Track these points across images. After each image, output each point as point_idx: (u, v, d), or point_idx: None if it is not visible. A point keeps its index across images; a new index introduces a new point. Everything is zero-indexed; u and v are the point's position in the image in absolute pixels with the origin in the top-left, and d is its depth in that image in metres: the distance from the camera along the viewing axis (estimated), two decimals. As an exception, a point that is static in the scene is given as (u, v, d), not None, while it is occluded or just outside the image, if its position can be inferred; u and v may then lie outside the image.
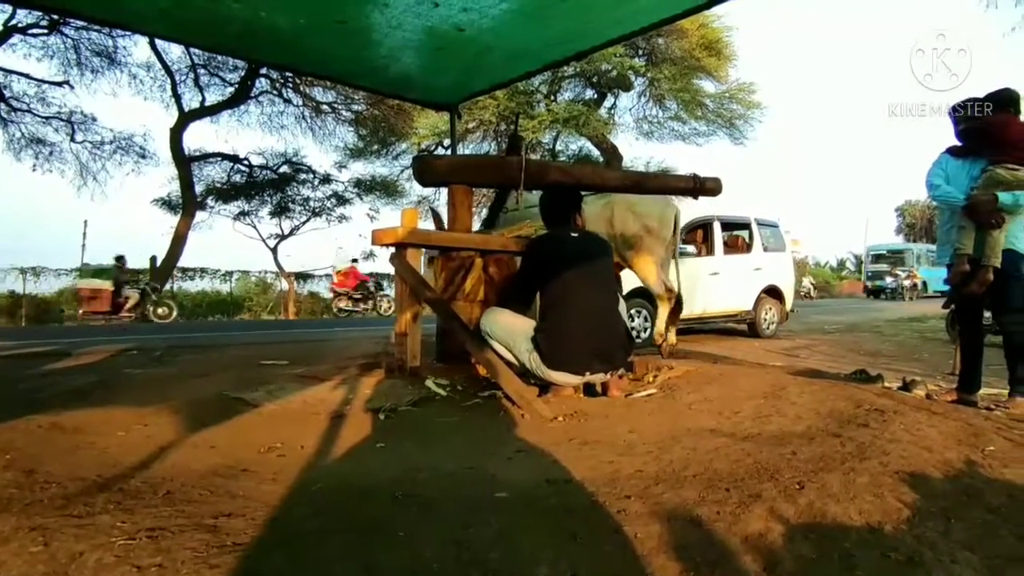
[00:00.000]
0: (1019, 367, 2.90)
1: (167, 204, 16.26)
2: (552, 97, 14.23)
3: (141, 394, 2.96)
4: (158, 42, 12.43)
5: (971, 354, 3.12)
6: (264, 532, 1.34)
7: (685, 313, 6.77)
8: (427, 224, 4.31)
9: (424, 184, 3.76)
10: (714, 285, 7.08)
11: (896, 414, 2.34)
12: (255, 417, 2.56)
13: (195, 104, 14.12)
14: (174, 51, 13.52)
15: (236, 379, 3.35)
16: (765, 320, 7.62)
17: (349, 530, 1.37)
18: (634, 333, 5.96)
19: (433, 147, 14.81)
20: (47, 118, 13.24)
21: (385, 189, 18.03)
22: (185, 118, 13.84)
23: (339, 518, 1.44)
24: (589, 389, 3.05)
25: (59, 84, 12.92)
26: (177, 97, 13.72)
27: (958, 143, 3.03)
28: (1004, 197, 2.79)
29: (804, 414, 2.43)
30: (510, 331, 2.94)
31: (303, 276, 18.17)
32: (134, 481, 1.68)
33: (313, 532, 1.35)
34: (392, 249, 3.45)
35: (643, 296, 6.35)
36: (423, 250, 3.62)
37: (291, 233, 18.09)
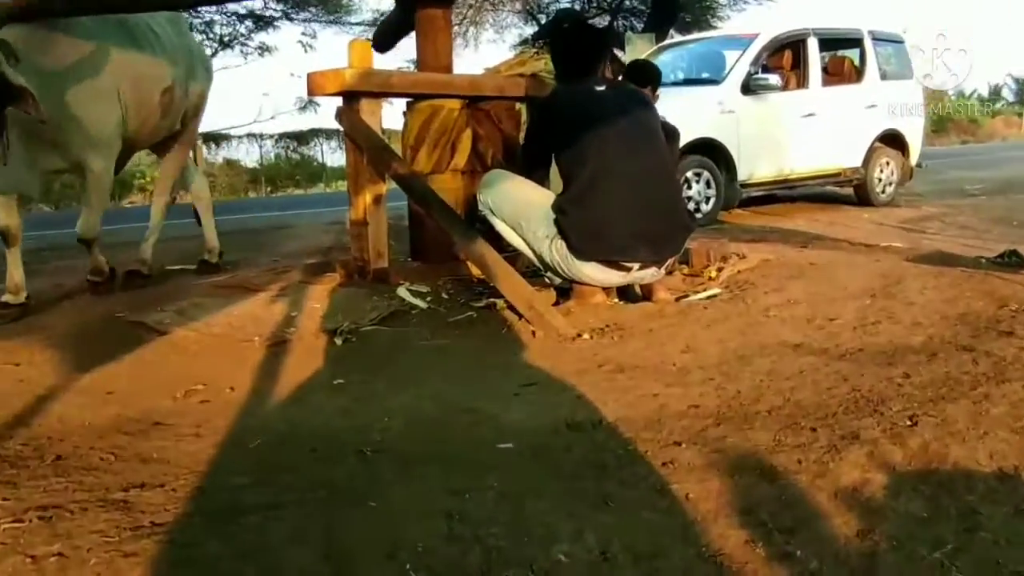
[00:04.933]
0: None
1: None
2: None
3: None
4: None
5: None
6: (191, 508, 1.42)
7: (764, 175, 6.75)
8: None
9: None
10: (807, 132, 6.95)
11: (1056, 316, 2.37)
12: (163, 348, 2.62)
13: None
14: None
15: (132, 294, 3.41)
16: (880, 181, 7.55)
17: (303, 501, 1.44)
18: (690, 206, 5.96)
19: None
20: None
21: (323, 3, 17.24)
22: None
23: (288, 485, 1.51)
24: (626, 292, 3.10)
25: None
26: None
27: None
28: None
29: (925, 319, 2.47)
30: (523, 206, 2.94)
31: (214, 138, 17.94)
32: (12, 444, 1.77)
33: (255, 506, 1.42)
34: (339, 100, 3.41)
35: (704, 151, 6.26)
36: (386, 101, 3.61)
37: (191, 76, 17.60)
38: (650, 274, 2.95)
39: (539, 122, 3.12)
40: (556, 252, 2.85)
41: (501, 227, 3.00)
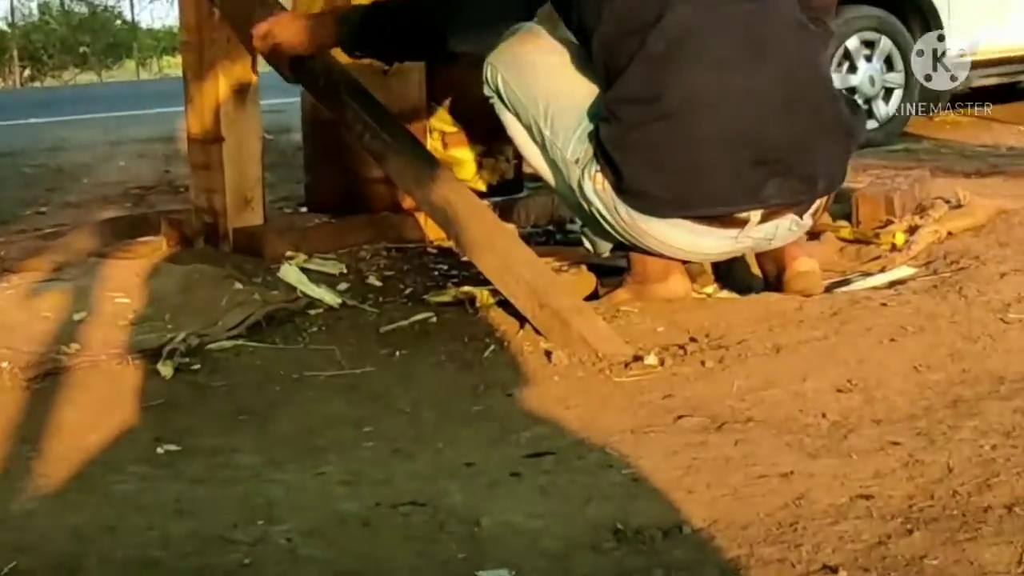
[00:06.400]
0: None
1: None
2: None
3: None
4: None
5: None
6: None
7: (1000, 45, 6.96)
8: None
9: None
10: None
11: None
12: None
13: None
14: None
15: None
16: None
17: None
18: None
19: None
20: None
21: None
22: None
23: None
24: (730, 270, 3.05)
25: None
26: None
27: None
28: None
29: None
30: (548, 91, 2.84)
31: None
32: None
33: None
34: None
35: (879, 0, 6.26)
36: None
37: None
38: (783, 230, 2.70)
39: None
40: (594, 192, 2.64)
41: (513, 128, 2.84)
